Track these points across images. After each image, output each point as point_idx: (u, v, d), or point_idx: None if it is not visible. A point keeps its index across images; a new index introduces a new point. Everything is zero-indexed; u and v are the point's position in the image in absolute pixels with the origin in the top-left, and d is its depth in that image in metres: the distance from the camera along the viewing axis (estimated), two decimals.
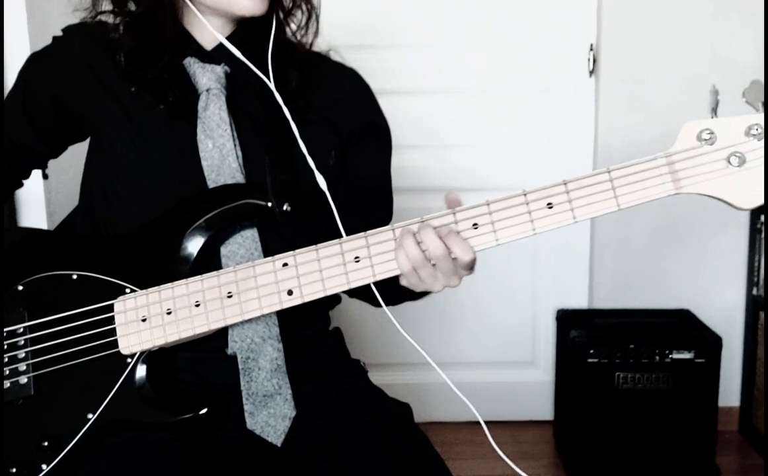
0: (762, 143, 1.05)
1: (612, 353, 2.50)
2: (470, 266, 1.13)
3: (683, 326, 2.64)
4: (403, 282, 1.16)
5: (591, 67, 2.72)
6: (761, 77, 1.08)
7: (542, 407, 2.92)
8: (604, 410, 2.52)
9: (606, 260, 2.83)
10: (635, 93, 2.72)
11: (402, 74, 2.68)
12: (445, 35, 2.72)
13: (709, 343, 2.52)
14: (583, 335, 2.55)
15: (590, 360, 2.50)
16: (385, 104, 1.40)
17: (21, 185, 1.42)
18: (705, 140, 1.07)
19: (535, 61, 2.74)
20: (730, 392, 2.82)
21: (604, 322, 2.67)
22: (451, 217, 1.12)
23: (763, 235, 2.70)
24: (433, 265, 1.11)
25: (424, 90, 2.74)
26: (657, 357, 2.49)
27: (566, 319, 2.73)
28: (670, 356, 2.49)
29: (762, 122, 1.05)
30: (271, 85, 1.22)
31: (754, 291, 2.77)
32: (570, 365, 2.63)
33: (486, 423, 1.21)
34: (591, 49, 2.70)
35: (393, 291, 1.20)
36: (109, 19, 1.27)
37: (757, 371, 2.75)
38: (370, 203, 1.36)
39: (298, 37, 1.33)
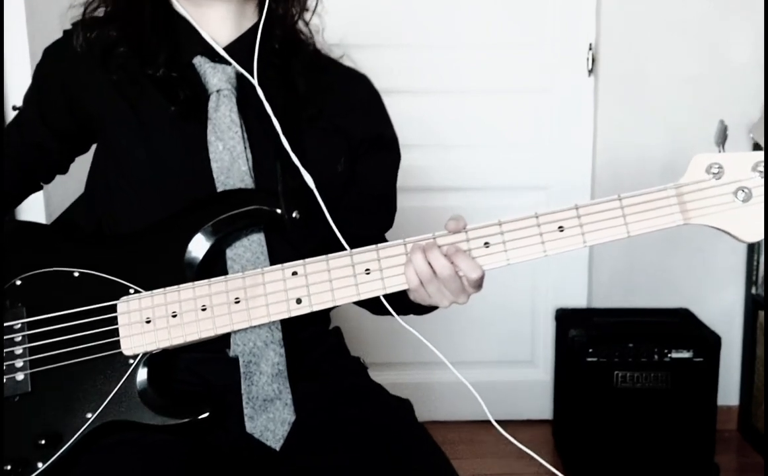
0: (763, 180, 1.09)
1: (611, 352, 2.50)
2: (478, 284, 1.14)
3: (682, 326, 2.64)
4: (412, 297, 1.16)
5: (590, 66, 2.72)
6: (761, 80, 1.09)
7: (541, 406, 2.93)
8: (603, 409, 2.53)
9: (605, 260, 2.83)
10: (634, 92, 2.72)
11: (402, 74, 2.68)
12: (445, 35, 2.72)
13: (708, 342, 2.52)
14: (582, 334, 2.55)
15: (589, 359, 2.51)
16: (385, 104, 1.40)
17: (41, 187, 1.41)
18: (714, 173, 1.10)
19: (534, 60, 2.74)
20: (729, 391, 2.82)
21: (603, 321, 2.67)
22: (463, 235, 1.12)
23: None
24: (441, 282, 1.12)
25: (423, 90, 2.73)
26: (656, 356, 2.50)
27: (565, 318, 2.74)
28: (669, 355, 2.49)
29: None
30: (258, 89, 1.22)
31: (753, 290, 2.77)
32: (569, 364, 2.63)
33: (485, 421, 1.21)
34: (590, 49, 2.71)
35: (400, 303, 1.21)
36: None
37: (756, 370, 2.76)
38: (374, 209, 1.36)
39: (304, 21, 1.32)
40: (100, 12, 1.27)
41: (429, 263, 1.11)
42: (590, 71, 2.72)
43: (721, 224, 1.10)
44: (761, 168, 1.09)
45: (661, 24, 2.68)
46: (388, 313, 1.21)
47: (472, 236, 1.12)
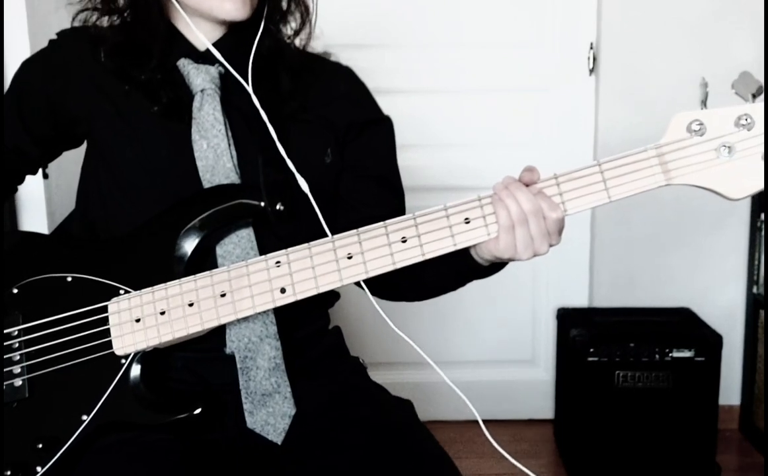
0: (751, 133, 1.06)
1: (612, 351, 2.50)
2: (559, 231, 1.12)
3: (683, 325, 2.64)
4: (493, 247, 1.12)
5: (591, 66, 2.72)
6: (757, 74, 1.08)
7: (542, 405, 2.93)
8: (605, 408, 2.52)
9: (606, 259, 2.83)
10: (635, 92, 2.72)
11: (401, 74, 2.68)
12: (444, 35, 2.72)
13: (709, 341, 2.52)
14: (583, 333, 2.55)
15: (590, 359, 2.51)
16: (384, 104, 1.40)
17: (15, 190, 1.42)
18: (695, 131, 1.08)
19: (535, 60, 2.74)
20: (730, 390, 2.82)
21: (604, 320, 2.67)
22: (442, 212, 1.11)
23: (763, 233, 2.69)
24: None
25: (423, 90, 2.73)
26: (657, 356, 2.49)
27: (566, 318, 2.73)
28: (671, 354, 2.49)
29: (751, 112, 1.06)
30: (249, 89, 1.22)
31: (755, 290, 2.77)
32: (570, 363, 2.63)
33: (486, 421, 1.20)
34: (591, 48, 2.70)
35: (459, 274, 1.21)
36: (102, 20, 1.28)
37: (758, 369, 2.75)
38: (375, 193, 1.35)
39: (294, 41, 1.33)
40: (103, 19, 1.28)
41: (516, 199, 1.09)
42: (591, 71, 2.72)
43: (704, 182, 1.08)
44: (744, 122, 1.06)
45: (662, 24, 2.68)
46: (452, 288, 1.22)
47: (452, 212, 1.11)
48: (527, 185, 1.11)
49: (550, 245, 1.12)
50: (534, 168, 1.12)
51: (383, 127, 1.39)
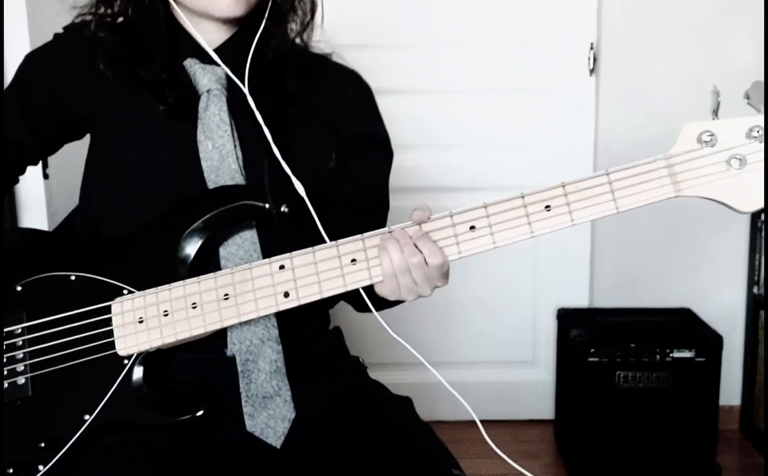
0: (763, 145, 1.04)
1: (613, 352, 2.50)
2: (443, 274, 1.13)
3: (684, 325, 2.64)
4: (378, 289, 1.15)
5: (591, 66, 2.71)
6: (762, 78, 1.07)
7: (543, 406, 2.92)
8: (605, 409, 2.52)
9: (606, 259, 2.83)
10: (635, 92, 2.72)
11: (402, 74, 2.68)
12: (445, 35, 2.72)
13: (709, 342, 2.52)
14: (583, 334, 2.55)
15: (591, 359, 2.50)
16: (385, 104, 1.40)
17: (17, 181, 1.42)
18: (705, 142, 1.05)
19: (535, 60, 2.74)
20: (731, 391, 2.82)
21: (604, 321, 2.67)
22: (448, 219, 1.11)
23: (763, 234, 2.69)
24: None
25: (423, 89, 2.73)
26: (658, 356, 2.49)
27: (567, 318, 2.73)
28: (671, 355, 2.49)
29: (762, 124, 1.04)
30: (245, 90, 1.21)
31: (755, 290, 2.77)
32: (571, 364, 2.63)
33: (486, 422, 1.20)
34: (591, 48, 2.70)
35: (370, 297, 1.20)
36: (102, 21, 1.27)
37: (758, 369, 2.75)
38: (366, 209, 1.35)
39: (301, 38, 1.32)
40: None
41: (401, 250, 1.10)
42: (591, 71, 2.72)
43: (714, 194, 1.05)
44: (756, 133, 1.03)
45: (662, 24, 2.68)
46: (369, 310, 1.20)
47: (458, 221, 1.11)
48: (421, 222, 1.11)
49: (435, 287, 1.14)
50: (426, 207, 1.12)
51: (386, 152, 1.39)
